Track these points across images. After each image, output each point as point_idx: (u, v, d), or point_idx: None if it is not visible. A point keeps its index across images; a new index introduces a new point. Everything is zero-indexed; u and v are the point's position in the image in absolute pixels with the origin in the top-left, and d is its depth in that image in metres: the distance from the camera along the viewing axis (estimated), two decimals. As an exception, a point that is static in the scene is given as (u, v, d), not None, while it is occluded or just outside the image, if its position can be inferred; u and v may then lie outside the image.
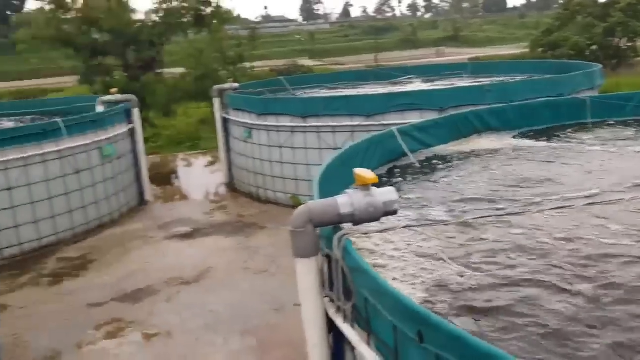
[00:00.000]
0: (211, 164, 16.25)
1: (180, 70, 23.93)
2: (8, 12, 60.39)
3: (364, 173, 2.89)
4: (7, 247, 8.76)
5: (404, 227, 3.26)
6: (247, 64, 24.74)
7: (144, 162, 12.10)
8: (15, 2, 60.47)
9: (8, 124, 12.71)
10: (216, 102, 12.96)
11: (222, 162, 13.49)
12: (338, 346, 3.06)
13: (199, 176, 15.21)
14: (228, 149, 13.05)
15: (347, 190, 2.94)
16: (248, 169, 12.02)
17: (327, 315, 3.05)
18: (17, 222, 8.97)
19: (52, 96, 28.16)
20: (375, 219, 2.91)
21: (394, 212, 2.94)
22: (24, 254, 8.96)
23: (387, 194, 2.89)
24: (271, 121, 10.99)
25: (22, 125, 11.32)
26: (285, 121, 10.75)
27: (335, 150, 10.05)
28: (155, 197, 12.61)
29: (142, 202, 11.93)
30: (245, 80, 18.98)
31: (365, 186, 2.89)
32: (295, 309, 6.87)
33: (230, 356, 5.99)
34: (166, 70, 23.18)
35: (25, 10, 58.35)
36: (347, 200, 2.86)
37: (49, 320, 7.00)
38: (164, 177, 14.60)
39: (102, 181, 10.42)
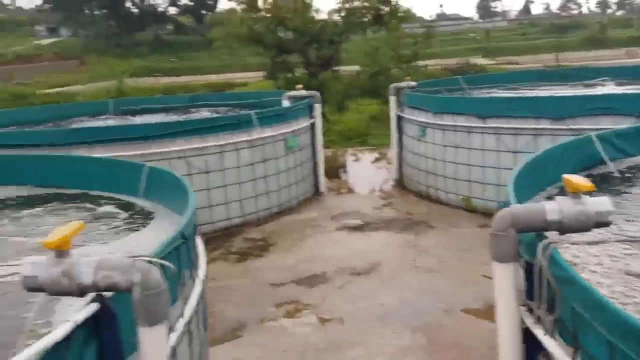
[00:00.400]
0: (378, 160, 16.50)
1: (355, 67, 24.63)
2: (203, 12, 66.64)
3: (577, 179, 2.77)
4: (203, 224, 9.75)
5: (619, 240, 3.05)
6: (421, 62, 24.67)
7: (321, 155, 12.69)
8: (209, 2, 66.22)
9: (205, 113, 14.19)
10: (392, 100, 13.14)
11: (393, 159, 13.65)
12: (532, 356, 2.98)
13: (367, 172, 15.51)
14: (400, 147, 13.16)
15: (556, 197, 2.85)
16: (419, 168, 12.02)
17: (522, 323, 2.98)
18: (211, 202, 9.96)
19: (237, 90, 30.64)
20: (585, 229, 2.78)
21: (607, 224, 2.78)
22: (216, 232, 9.91)
23: (600, 203, 2.74)
24: (448, 120, 10.86)
25: (218, 115, 12.55)
26: (463, 121, 10.55)
27: (514, 153, 9.72)
28: (328, 189, 13.12)
29: (316, 192, 12.53)
30: (418, 78, 18.96)
31: (576, 193, 2.77)
32: (465, 312, 6.80)
33: (400, 351, 6.09)
34: (342, 68, 23.97)
35: (218, 10, 64.01)
36: (555, 207, 2.77)
37: (235, 294, 7.69)
38: (334, 171, 15.08)
39: (285, 170, 11.16)
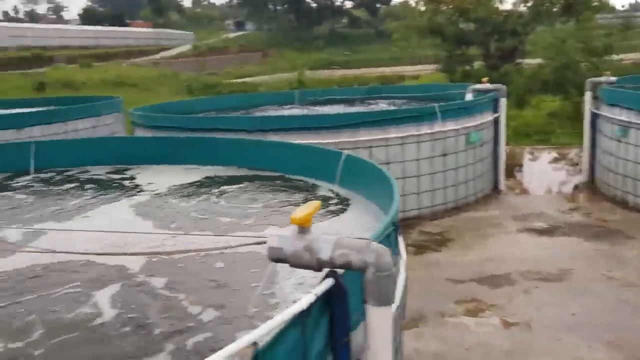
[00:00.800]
0: (557, 160, 15.46)
1: (538, 60, 23.20)
2: (377, 5, 67.52)
3: None
4: (382, 214, 9.93)
5: None
6: (615, 56, 22.50)
7: (503, 151, 12.20)
8: (384, -5, 66.78)
9: (383, 105, 14.38)
10: (587, 95, 12.15)
11: (583, 159, 12.67)
12: None
13: (545, 172, 14.61)
14: (592, 147, 12.14)
15: None
16: (616, 171, 10.97)
17: None
18: (391, 193, 10.07)
19: (408, 82, 30.58)
20: None
21: None
22: (393, 223, 10.03)
23: None
24: (657, 121, 9.76)
25: (401, 108, 12.65)
26: (676, 122, 9.42)
27: None
28: (506, 187, 12.58)
29: (495, 190, 12.08)
30: (610, 73, 17.34)
31: None
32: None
33: (596, 365, 5.66)
34: (525, 61, 22.74)
35: (392, 3, 64.41)
36: None
37: (413, 285, 7.62)
38: (509, 169, 14.42)
39: (464, 166, 10.91)
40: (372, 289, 2.65)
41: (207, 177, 6.52)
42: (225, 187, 6.08)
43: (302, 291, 3.56)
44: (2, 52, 42.14)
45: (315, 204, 2.78)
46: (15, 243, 4.23)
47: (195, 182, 6.33)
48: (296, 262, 2.71)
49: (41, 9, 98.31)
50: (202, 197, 5.66)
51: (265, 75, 41.12)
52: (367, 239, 2.81)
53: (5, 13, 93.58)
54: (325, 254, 2.66)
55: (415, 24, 20.94)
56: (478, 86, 12.37)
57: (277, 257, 2.75)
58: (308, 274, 3.79)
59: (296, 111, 13.88)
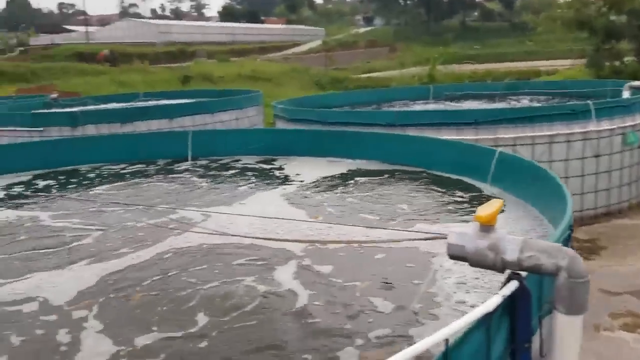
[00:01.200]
0: None
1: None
2: (513, -2, 64.37)
3: None
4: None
5: None
6: None
7: (663, 154, 11.08)
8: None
9: (525, 101, 13.70)
10: None
11: None
12: None
13: None
14: None
15: None
16: None
17: None
18: (534, 195, 9.56)
19: (544, 78, 28.84)
20: None
21: None
22: (537, 226, 9.50)
23: None
24: None
25: (550, 104, 11.98)
26: None
27: None
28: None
29: (652, 197, 11.02)
30: None
31: None
32: None
33: None
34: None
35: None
36: None
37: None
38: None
39: (619, 169, 10.06)
40: (564, 296, 2.49)
41: (350, 170, 6.57)
42: (369, 181, 6.09)
43: (463, 290, 3.46)
44: (151, 47, 45.80)
45: (498, 202, 2.67)
46: (190, 223, 4.55)
47: (339, 174, 6.41)
48: (478, 261, 2.61)
49: (185, 6, 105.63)
50: (347, 190, 5.70)
51: (392, 70, 40.90)
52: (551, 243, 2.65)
53: (153, 11, 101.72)
54: (511, 255, 2.54)
55: (561, 15, 19.64)
56: (637, 83, 11.35)
57: (457, 255, 2.67)
58: (470, 273, 3.69)
59: (431, 106, 13.62)
